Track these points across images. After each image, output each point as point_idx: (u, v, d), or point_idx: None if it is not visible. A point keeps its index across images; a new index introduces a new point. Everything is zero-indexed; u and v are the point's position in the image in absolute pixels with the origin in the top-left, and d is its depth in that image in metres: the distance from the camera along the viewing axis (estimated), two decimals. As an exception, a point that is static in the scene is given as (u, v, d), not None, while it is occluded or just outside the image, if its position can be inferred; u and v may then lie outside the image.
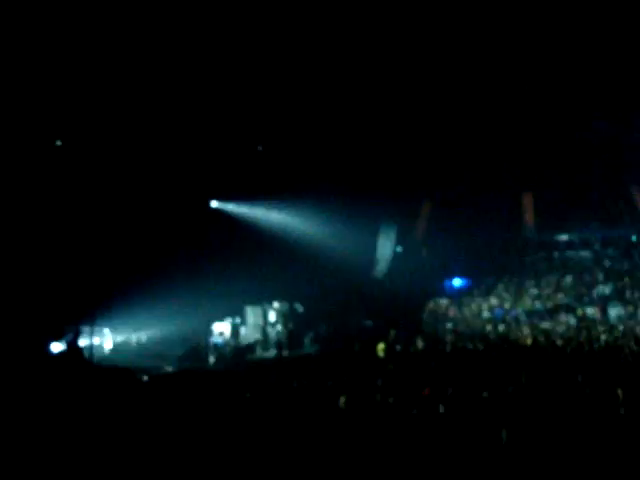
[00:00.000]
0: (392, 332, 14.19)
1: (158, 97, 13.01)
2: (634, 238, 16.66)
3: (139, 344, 15.37)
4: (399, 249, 17.80)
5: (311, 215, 16.69)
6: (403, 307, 15.42)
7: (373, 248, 17.59)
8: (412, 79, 14.41)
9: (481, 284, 16.53)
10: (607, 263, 16.82)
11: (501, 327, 14.98)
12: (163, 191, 14.88)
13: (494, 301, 16.03)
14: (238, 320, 15.62)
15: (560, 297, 16.09)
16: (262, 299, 15.60)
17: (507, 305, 15.67)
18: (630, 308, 15.04)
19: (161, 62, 12.38)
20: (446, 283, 17.01)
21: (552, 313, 15.38)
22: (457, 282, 16.94)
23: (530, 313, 15.32)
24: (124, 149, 13.68)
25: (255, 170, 15.65)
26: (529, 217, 17.13)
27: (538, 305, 15.55)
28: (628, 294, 15.59)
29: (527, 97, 15.56)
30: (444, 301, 16.17)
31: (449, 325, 15.35)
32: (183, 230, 15.12)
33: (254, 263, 15.63)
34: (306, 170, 15.75)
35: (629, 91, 14.69)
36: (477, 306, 15.88)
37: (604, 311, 15.09)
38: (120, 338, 15.42)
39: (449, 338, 14.09)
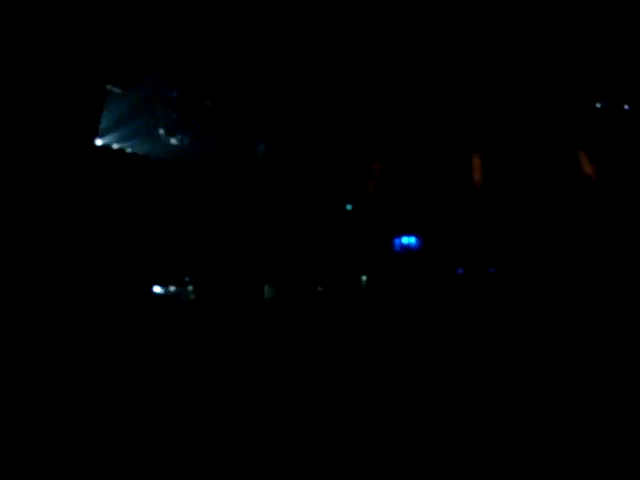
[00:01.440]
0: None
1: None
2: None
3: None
4: (349, 207, 17.99)
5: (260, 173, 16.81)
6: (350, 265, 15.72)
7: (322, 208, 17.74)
8: (358, 40, 14.56)
9: (430, 241, 16.85)
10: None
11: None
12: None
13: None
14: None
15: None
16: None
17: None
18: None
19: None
20: (396, 241, 17.30)
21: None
22: (407, 240, 17.20)
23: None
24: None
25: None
26: (477, 177, 17.36)
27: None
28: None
29: (478, 59, 15.83)
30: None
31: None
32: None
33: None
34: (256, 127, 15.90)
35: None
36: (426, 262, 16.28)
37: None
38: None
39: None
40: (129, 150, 15.91)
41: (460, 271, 16.09)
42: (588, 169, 17.18)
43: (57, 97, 11.19)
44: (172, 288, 15.60)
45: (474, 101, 16.48)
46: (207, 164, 16.34)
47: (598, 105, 16.04)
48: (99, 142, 15.43)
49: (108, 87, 13.87)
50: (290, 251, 16.67)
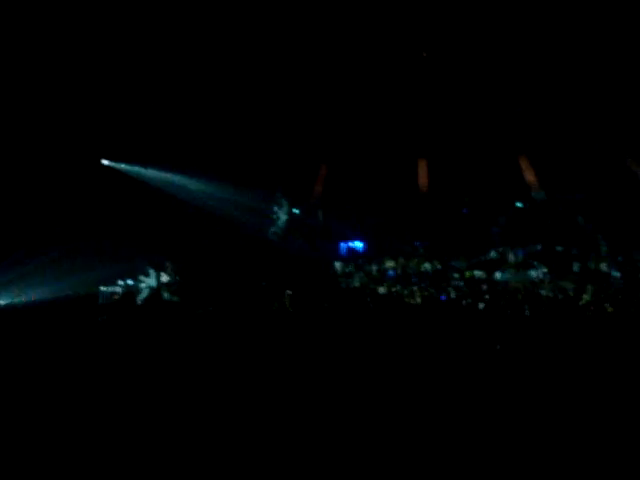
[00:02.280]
0: (287, 292, 14.54)
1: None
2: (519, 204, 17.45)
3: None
4: (296, 211, 18.00)
5: (207, 179, 16.66)
6: (298, 268, 15.70)
7: (270, 212, 17.72)
8: (304, 46, 14.53)
9: (377, 247, 17.00)
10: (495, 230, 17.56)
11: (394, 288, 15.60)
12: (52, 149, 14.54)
13: (389, 263, 16.57)
14: (130, 282, 15.56)
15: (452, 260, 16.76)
16: (155, 262, 15.58)
17: (399, 267, 16.24)
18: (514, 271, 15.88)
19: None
20: (342, 245, 17.39)
21: (442, 275, 16.11)
22: (353, 245, 17.32)
23: (421, 274, 15.99)
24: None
25: (148, 132, 15.47)
26: (423, 182, 17.64)
27: (428, 267, 16.23)
28: (512, 257, 16.38)
29: (424, 66, 16.03)
30: (339, 264, 16.64)
31: (343, 285, 15.83)
32: (72, 189, 14.81)
33: (147, 226, 15.54)
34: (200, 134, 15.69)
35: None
36: (371, 268, 16.40)
37: (490, 274, 15.89)
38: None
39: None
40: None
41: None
42: (529, 175, 17.64)
43: None
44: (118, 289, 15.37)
45: (420, 108, 16.70)
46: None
47: (537, 115, 16.47)
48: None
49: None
50: (237, 253, 16.58)
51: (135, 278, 15.66)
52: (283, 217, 17.73)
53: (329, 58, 15.32)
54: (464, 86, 16.37)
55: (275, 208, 17.81)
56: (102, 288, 15.12)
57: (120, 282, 15.46)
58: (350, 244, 17.53)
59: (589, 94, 15.69)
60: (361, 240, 17.52)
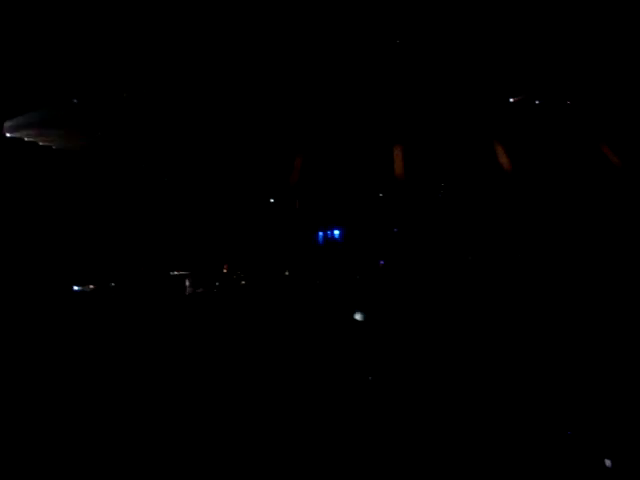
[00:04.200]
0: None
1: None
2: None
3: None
4: (272, 201, 17.92)
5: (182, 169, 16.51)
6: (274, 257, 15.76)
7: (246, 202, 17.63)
8: (274, 35, 14.38)
9: (355, 234, 17.06)
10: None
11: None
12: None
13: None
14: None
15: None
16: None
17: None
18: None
19: None
20: (319, 233, 17.41)
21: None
22: (329, 232, 17.34)
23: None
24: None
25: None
26: (399, 169, 17.62)
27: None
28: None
29: (397, 54, 15.97)
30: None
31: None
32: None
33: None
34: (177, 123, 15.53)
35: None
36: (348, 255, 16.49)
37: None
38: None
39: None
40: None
41: (381, 262, 16.37)
42: (504, 161, 17.74)
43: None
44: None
45: (394, 94, 16.65)
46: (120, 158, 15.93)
47: (511, 100, 16.51)
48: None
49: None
50: (215, 244, 16.50)
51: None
52: (258, 207, 17.64)
53: (301, 47, 15.17)
54: (438, 72, 16.34)
55: (251, 198, 17.69)
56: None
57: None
58: (328, 232, 17.55)
59: (562, 82, 15.80)
60: (338, 228, 17.54)
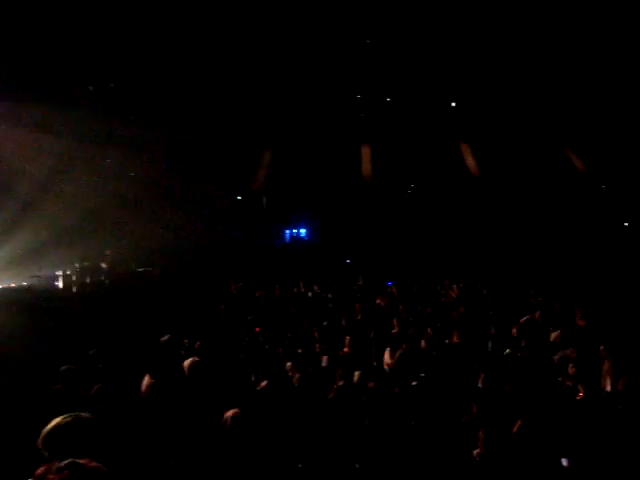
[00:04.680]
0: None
1: None
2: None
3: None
4: (239, 198, 17.84)
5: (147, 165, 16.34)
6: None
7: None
8: (240, 32, 14.25)
9: (321, 233, 17.09)
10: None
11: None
12: None
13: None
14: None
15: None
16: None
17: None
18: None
19: None
20: (286, 232, 17.38)
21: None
22: (297, 231, 17.33)
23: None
24: None
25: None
26: (367, 168, 17.70)
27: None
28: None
29: (364, 54, 15.97)
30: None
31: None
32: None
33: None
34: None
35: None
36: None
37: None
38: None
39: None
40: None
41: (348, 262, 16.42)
42: (470, 162, 17.93)
43: None
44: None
45: (362, 95, 16.70)
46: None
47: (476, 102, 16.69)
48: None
49: None
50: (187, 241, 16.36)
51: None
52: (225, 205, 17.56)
53: (269, 45, 15.12)
54: (407, 72, 16.42)
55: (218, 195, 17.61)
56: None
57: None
58: (294, 230, 17.54)
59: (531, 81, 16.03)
60: (305, 226, 17.56)
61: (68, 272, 15.37)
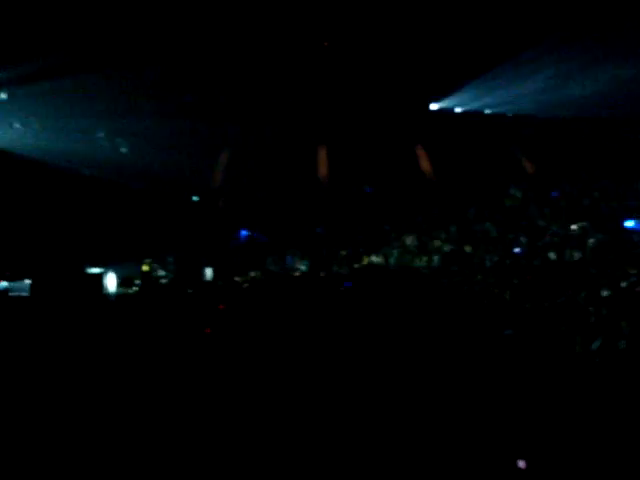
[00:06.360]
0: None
1: None
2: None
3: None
4: (196, 198, 17.67)
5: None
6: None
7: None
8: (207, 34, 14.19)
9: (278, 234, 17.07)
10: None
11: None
12: None
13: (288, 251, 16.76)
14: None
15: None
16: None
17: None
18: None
19: None
20: (242, 233, 17.32)
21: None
22: (253, 233, 17.28)
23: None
24: None
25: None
26: (323, 169, 17.82)
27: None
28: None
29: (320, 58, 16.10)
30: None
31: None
32: None
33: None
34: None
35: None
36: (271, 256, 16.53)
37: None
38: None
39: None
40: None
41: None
42: (425, 165, 18.25)
43: None
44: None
45: (320, 96, 16.81)
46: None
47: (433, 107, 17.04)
48: None
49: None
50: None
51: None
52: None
53: (232, 42, 15.10)
54: (363, 75, 16.61)
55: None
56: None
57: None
58: (250, 232, 17.49)
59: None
60: (261, 228, 17.53)
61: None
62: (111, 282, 14.24)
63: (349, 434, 4.40)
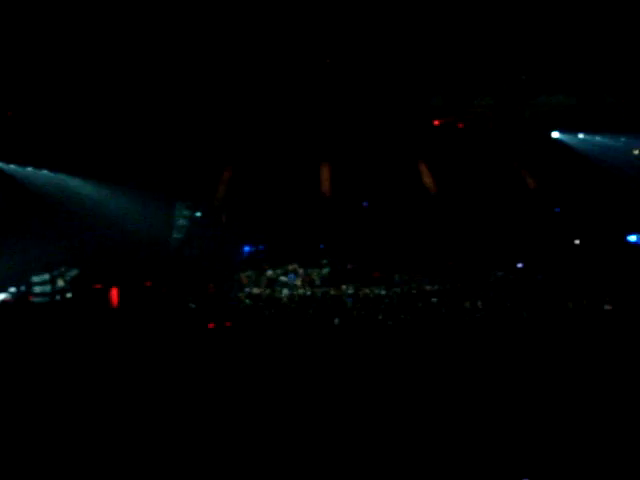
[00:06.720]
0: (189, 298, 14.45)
1: None
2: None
3: None
4: (198, 214, 17.67)
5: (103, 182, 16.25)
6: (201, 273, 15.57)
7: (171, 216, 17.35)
8: (210, 48, 14.31)
9: (278, 250, 17.07)
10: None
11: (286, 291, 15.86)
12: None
13: (290, 267, 16.73)
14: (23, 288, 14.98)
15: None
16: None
17: (300, 270, 16.47)
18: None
19: None
20: (245, 249, 17.33)
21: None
22: (256, 248, 17.29)
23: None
24: None
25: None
26: (326, 187, 17.86)
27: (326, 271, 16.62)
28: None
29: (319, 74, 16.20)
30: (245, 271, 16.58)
31: (247, 290, 15.83)
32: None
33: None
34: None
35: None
36: (274, 272, 16.50)
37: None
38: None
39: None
40: None
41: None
42: (427, 180, 18.27)
43: None
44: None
45: (323, 113, 16.88)
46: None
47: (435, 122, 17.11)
48: None
49: None
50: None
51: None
52: (183, 221, 17.40)
53: (234, 60, 15.19)
54: (366, 91, 16.69)
55: (176, 212, 17.44)
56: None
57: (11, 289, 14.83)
58: (253, 248, 17.51)
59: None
60: (264, 244, 17.54)
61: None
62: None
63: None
